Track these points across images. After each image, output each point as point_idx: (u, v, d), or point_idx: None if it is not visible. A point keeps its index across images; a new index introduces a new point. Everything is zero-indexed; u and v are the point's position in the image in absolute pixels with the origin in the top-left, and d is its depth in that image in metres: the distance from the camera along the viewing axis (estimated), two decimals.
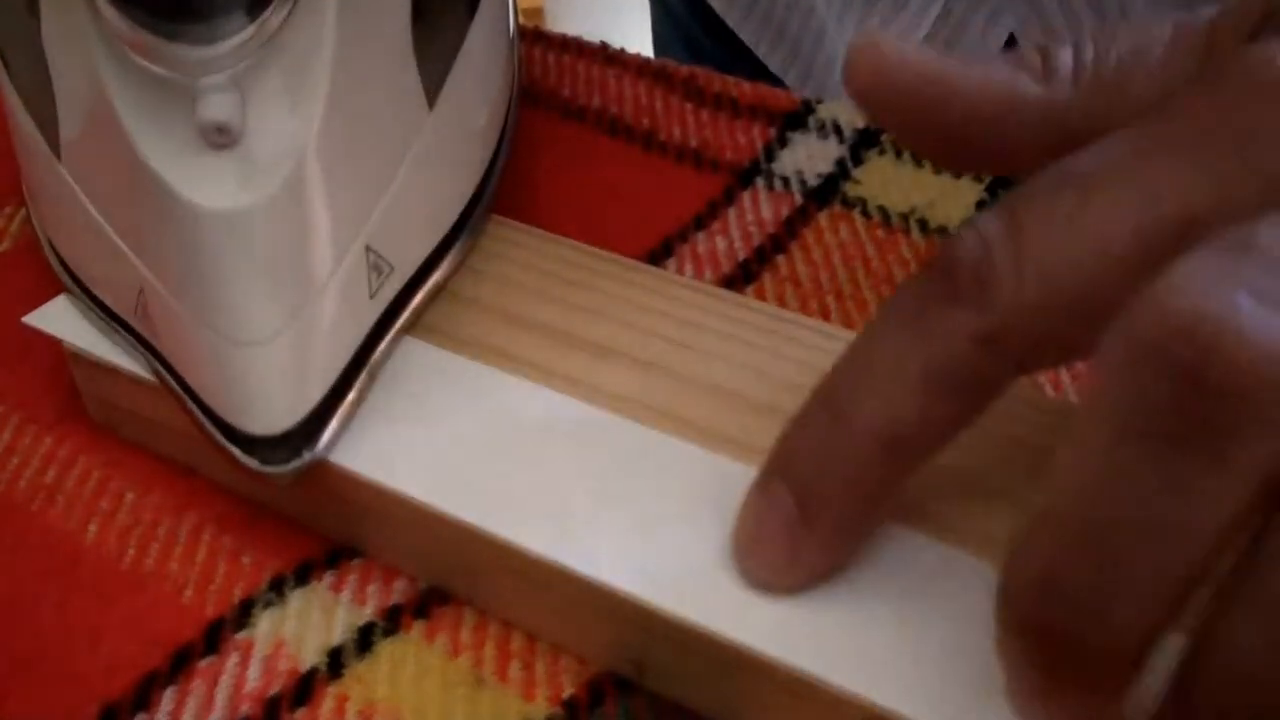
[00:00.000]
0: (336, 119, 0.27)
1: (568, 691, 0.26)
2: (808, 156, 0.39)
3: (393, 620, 0.28)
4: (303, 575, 0.29)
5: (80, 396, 0.32)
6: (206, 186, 0.26)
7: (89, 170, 0.29)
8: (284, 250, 0.27)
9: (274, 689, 0.27)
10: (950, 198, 0.38)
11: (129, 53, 0.26)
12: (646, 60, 0.44)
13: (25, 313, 0.31)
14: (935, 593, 0.25)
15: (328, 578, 0.29)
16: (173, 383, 0.28)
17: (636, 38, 0.65)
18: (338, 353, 0.28)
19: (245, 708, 0.26)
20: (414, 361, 0.29)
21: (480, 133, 0.33)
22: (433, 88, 0.30)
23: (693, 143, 0.40)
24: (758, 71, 0.63)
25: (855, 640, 0.24)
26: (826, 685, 0.23)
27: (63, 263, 0.32)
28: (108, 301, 0.30)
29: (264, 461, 0.27)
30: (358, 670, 0.27)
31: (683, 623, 0.24)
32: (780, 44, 0.62)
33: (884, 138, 0.40)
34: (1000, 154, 0.26)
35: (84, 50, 0.27)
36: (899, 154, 0.39)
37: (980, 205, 0.37)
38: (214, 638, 0.28)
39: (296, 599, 0.28)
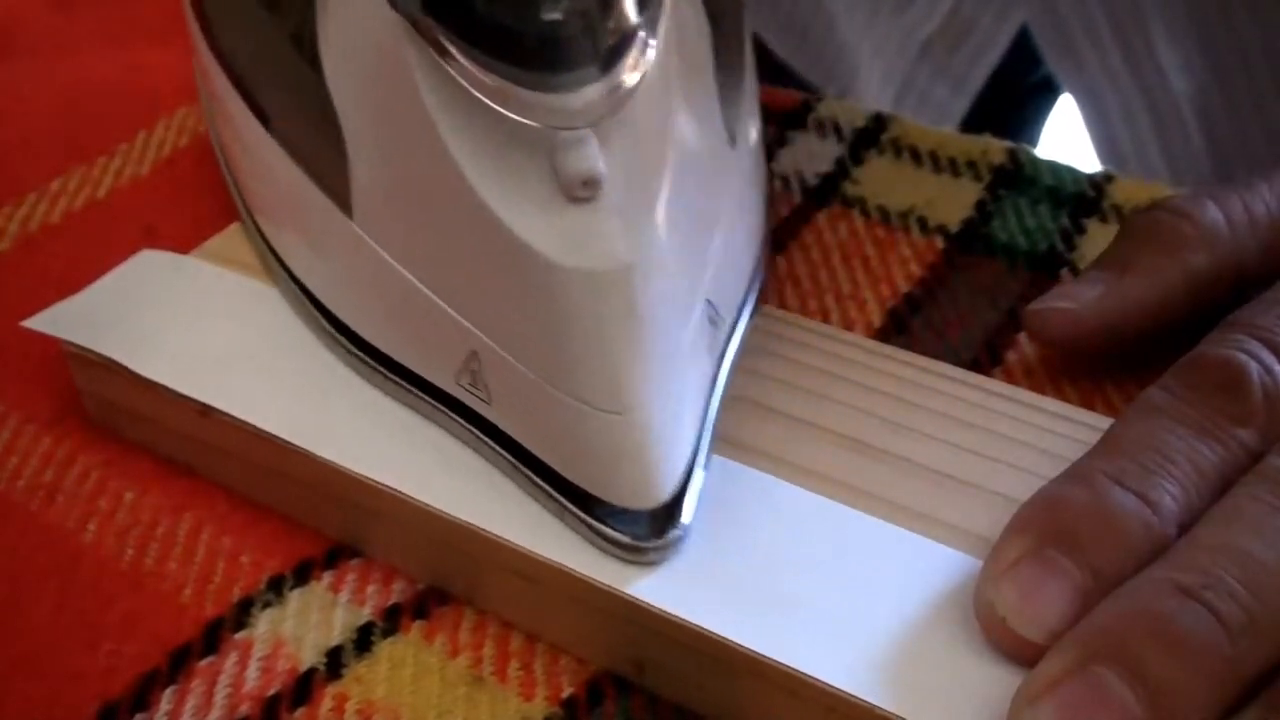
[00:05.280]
0: (678, 172, 0.26)
1: (567, 691, 0.26)
2: (807, 156, 0.39)
3: (392, 620, 0.28)
4: (302, 575, 0.29)
5: (80, 396, 0.32)
6: (566, 243, 0.24)
7: (400, 228, 0.27)
8: (646, 310, 0.25)
9: (273, 689, 0.27)
10: (950, 197, 0.38)
11: (478, 102, 0.25)
12: None
13: (25, 313, 0.31)
14: (935, 593, 0.25)
15: (327, 578, 0.29)
16: (505, 453, 0.27)
17: None
18: (694, 415, 0.26)
19: (244, 707, 0.26)
20: None
21: (763, 164, 0.33)
22: (731, 127, 0.29)
23: None
24: (766, 58, 0.63)
25: (854, 640, 0.24)
26: (826, 686, 0.23)
27: (347, 331, 0.29)
28: (420, 371, 0.28)
29: (635, 537, 0.25)
30: (357, 670, 0.27)
31: (682, 623, 0.24)
32: (789, 31, 0.62)
33: (883, 137, 0.40)
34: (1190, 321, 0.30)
35: (406, 99, 0.25)
36: (898, 153, 0.39)
37: (980, 205, 0.37)
38: (213, 637, 0.28)
39: (295, 599, 0.28)
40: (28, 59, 0.46)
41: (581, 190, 0.24)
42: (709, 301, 0.27)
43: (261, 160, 0.31)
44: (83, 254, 0.36)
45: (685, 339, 0.26)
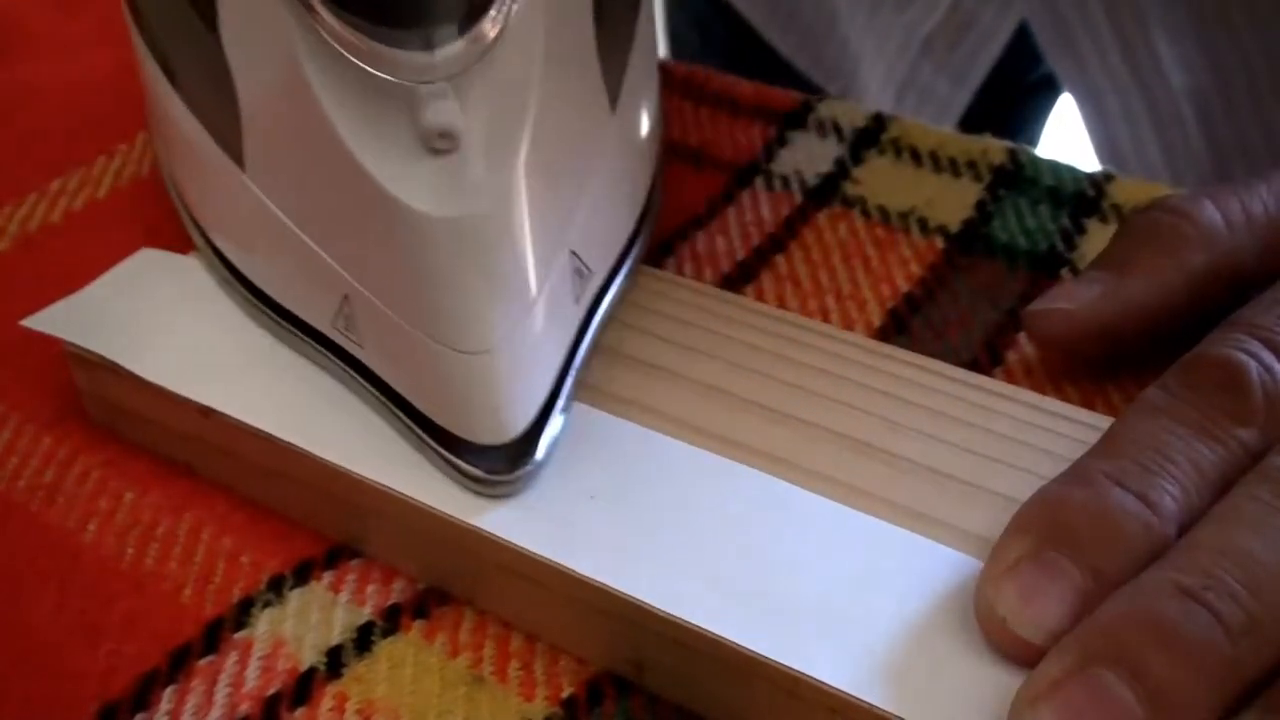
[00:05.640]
0: (544, 126, 0.27)
1: (567, 691, 0.26)
2: (807, 156, 0.39)
3: (392, 620, 0.28)
4: (302, 575, 0.29)
5: (80, 396, 0.32)
6: (426, 193, 0.26)
7: (284, 179, 0.28)
8: (504, 257, 0.26)
9: (273, 688, 0.27)
10: (950, 197, 0.38)
11: (345, 59, 0.26)
12: None
13: (25, 313, 0.31)
14: (935, 593, 0.25)
15: (327, 577, 0.29)
16: (376, 392, 0.28)
17: None
18: (553, 358, 0.28)
19: (244, 707, 0.26)
20: None
21: (652, 131, 0.33)
22: (614, 89, 0.30)
23: (693, 142, 0.40)
24: (768, 55, 0.63)
25: (854, 641, 0.24)
26: (825, 686, 0.23)
27: (236, 273, 0.31)
28: (298, 312, 0.30)
29: (489, 470, 0.26)
30: (357, 670, 0.27)
31: (682, 624, 0.24)
32: (791, 28, 0.62)
33: (883, 137, 0.40)
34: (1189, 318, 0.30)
35: (285, 58, 0.26)
36: (898, 153, 0.39)
37: (980, 205, 0.37)
38: (213, 637, 0.28)
39: (295, 599, 0.28)
40: (28, 59, 0.46)
41: (439, 142, 0.26)
42: (574, 253, 0.28)
43: (170, 117, 0.32)
44: (83, 254, 0.36)
45: (545, 286, 0.27)
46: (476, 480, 0.27)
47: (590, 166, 0.29)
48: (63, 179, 0.40)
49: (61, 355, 0.31)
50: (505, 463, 0.27)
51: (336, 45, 0.26)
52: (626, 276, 0.31)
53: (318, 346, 0.29)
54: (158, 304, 0.32)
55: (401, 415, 0.28)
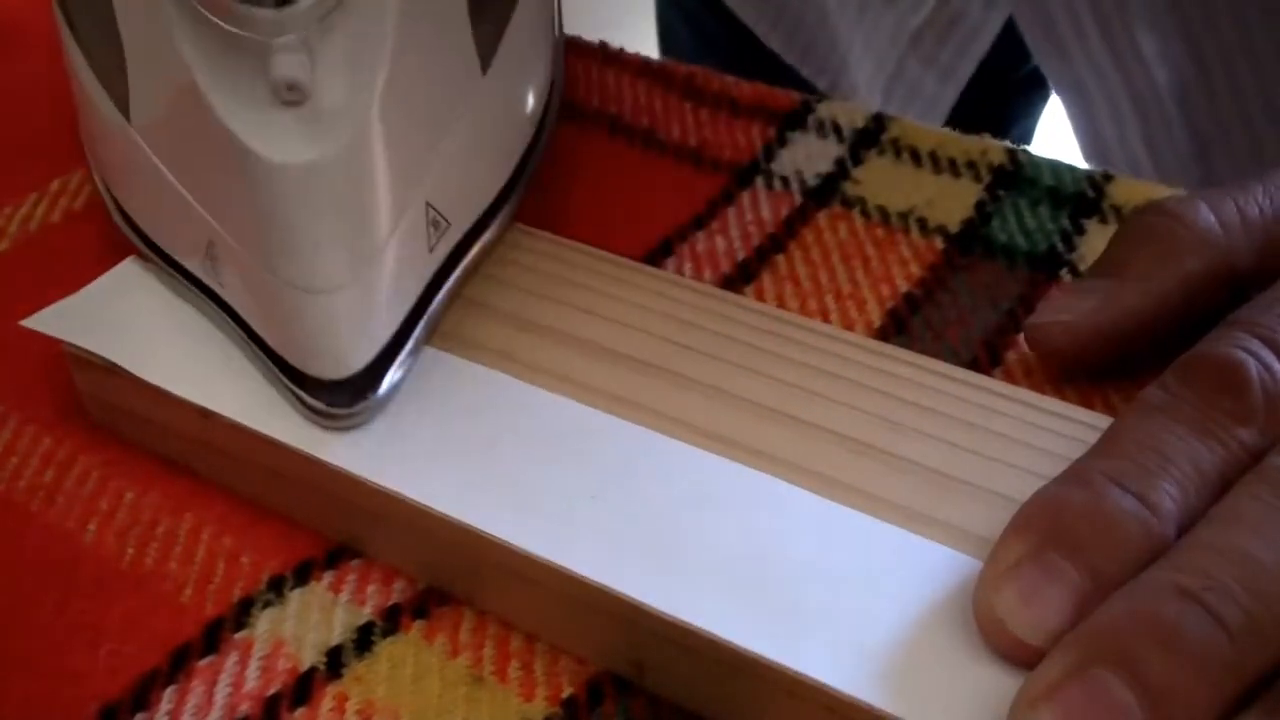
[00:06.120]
0: (399, 80, 0.28)
1: (567, 691, 0.26)
2: (807, 156, 0.39)
3: (392, 620, 0.28)
4: (302, 575, 0.29)
5: (80, 396, 0.32)
6: (277, 142, 0.27)
7: (160, 129, 0.30)
8: (351, 203, 0.28)
9: (273, 688, 0.27)
10: (950, 197, 0.38)
11: (204, 15, 0.27)
12: (646, 60, 0.44)
13: (25, 313, 0.31)
14: (935, 593, 0.25)
15: (327, 578, 0.29)
16: (239, 332, 0.30)
17: (637, 38, 0.65)
18: (399, 302, 0.29)
19: (244, 707, 0.26)
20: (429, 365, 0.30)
21: (529, 98, 0.35)
22: (486, 53, 0.31)
23: (692, 142, 0.40)
24: (760, 50, 0.63)
25: (854, 641, 0.24)
26: (825, 687, 0.23)
27: (130, 221, 0.33)
28: (176, 256, 0.31)
29: (329, 404, 0.28)
30: (357, 670, 0.27)
31: (682, 624, 0.24)
32: (781, 23, 0.62)
33: (883, 137, 0.40)
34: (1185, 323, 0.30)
35: (158, 14, 0.28)
36: (898, 153, 0.39)
37: (980, 205, 0.37)
38: (213, 637, 0.28)
39: (295, 599, 0.28)
40: (28, 59, 0.46)
41: (288, 94, 0.27)
42: (431, 205, 0.30)
43: (72, 69, 0.33)
44: (83, 254, 0.36)
45: (395, 233, 0.29)
46: (318, 413, 0.28)
47: (454, 123, 0.30)
48: (63, 179, 0.40)
49: (61, 355, 0.31)
50: (346, 397, 0.28)
51: (196, 3, 0.27)
52: (495, 232, 0.32)
53: (193, 288, 0.31)
54: (158, 305, 0.32)
55: (259, 352, 0.29)
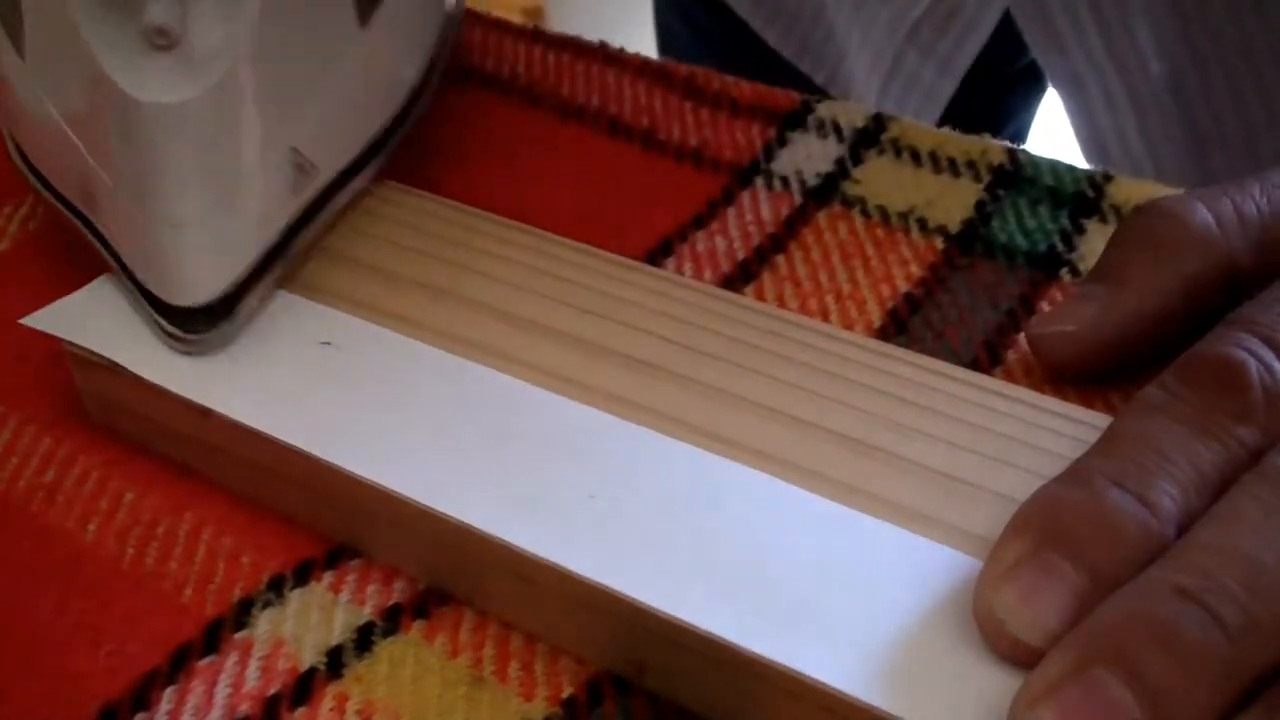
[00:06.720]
0: (271, 28, 0.30)
1: (567, 691, 0.26)
2: (807, 156, 0.39)
3: (392, 620, 0.28)
4: (302, 575, 0.29)
5: (80, 396, 0.32)
6: (147, 83, 0.29)
7: (48, 69, 0.32)
8: (214, 142, 0.30)
9: (273, 688, 0.27)
10: (950, 197, 0.38)
11: None
12: (646, 60, 0.44)
13: (25, 313, 0.31)
14: (935, 593, 0.25)
15: (327, 578, 0.29)
16: (114, 263, 0.32)
17: (636, 38, 0.65)
18: (259, 238, 0.31)
19: (244, 707, 0.26)
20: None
21: (408, 56, 0.36)
22: (365, 9, 0.33)
23: (692, 142, 0.40)
24: (758, 46, 0.63)
25: (854, 641, 0.24)
26: (825, 687, 0.23)
27: (24, 157, 0.35)
28: (63, 191, 0.33)
29: (185, 330, 0.30)
30: (357, 670, 0.27)
31: (682, 625, 0.24)
32: (778, 17, 0.62)
33: (883, 137, 0.40)
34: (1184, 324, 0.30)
35: None
36: (898, 153, 0.39)
37: (980, 205, 0.37)
38: (213, 637, 0.28)
39: (296, 599, 0.28)
40: None
41: (159, 39, 0.29)
42: (296, 149, 0.32)
43: None
44: (83, 253, 0.36)
45: (256, 173, 0.31)
46: (173, 337, 0.30)
47: (327, 73, 0.32)
48: None
49: (61, 355, 0.31)
50: (200, 324, 0.30)
51: None
52: (364, 181, 0.34)
53: (83, 228, 0.32)
54: None
55: (129, 282, 0.31)
